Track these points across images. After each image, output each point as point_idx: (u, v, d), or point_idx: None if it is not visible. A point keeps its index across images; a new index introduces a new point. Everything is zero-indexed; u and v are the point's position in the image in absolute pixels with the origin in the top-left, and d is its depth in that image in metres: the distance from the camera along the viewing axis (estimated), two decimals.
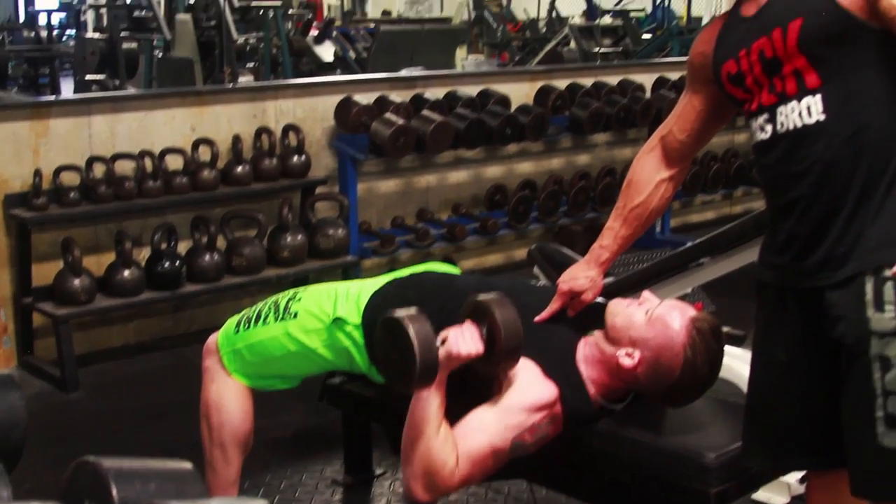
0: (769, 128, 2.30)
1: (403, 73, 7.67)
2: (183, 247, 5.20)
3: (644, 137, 6.08)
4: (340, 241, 5.55)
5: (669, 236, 7.33)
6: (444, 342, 2.51)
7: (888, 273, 2.10)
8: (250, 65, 9.94)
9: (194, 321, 5.53)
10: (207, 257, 5.14)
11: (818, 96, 2.20)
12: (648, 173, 2.71)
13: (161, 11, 8.80)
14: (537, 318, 2.85)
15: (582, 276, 2.86)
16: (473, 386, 2.67)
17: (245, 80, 8.92)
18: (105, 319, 5.25)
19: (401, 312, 2.48)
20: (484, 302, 2.56)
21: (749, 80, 2.31)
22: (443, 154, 6.17)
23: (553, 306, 2.87)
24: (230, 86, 6.18)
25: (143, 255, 5.13)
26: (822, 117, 2.20)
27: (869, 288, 2.14)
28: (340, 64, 10.78)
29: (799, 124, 2.23)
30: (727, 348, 2.87)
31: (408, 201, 6.32)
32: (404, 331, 2.42)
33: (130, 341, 5.38)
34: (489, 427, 2.58)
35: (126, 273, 4.91)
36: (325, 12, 17.72)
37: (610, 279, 4.22)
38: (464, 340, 2.53)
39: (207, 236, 5.14)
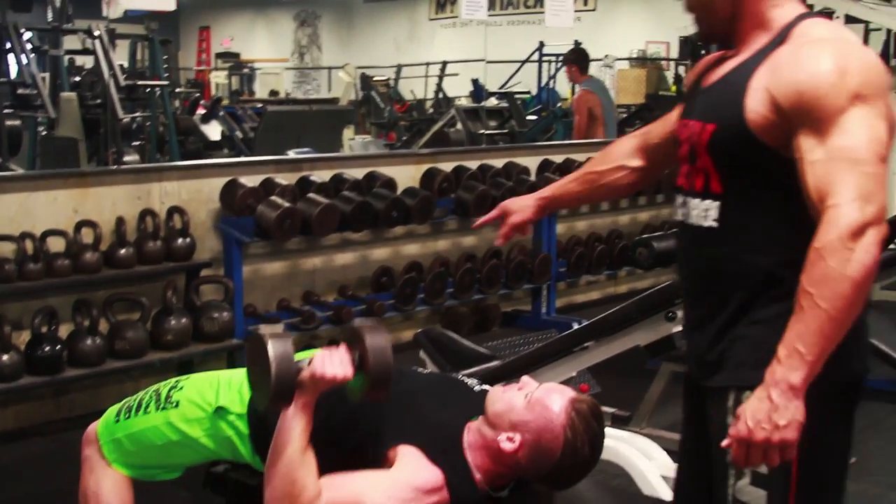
0: (681, 213, 2.35)
1: (291, 154, 7.71)
2: (65, 330, 5.11)
3: None
4: (225, 324, 5.51)
5: (555, 317, 7.43)
6: (311, 363, 2.52)
7: (748, 393, 2.11)
8: (136, 143, 9.86)
9: (76, 406, 5.42)
10: (89, 341, 5.05)
11: (717, 203, 2.23)
12: (618, 152, 2.79)
13: (45, 89, 8.69)
14: (477, 222, 3.05)
15: (517, 200, 2.95)
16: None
17: (131, 158, 8.83)
18: None
19: (265, 329, 2.51)
20: (356, 327, 2.58)
21: (681, 152, 2.35)
22: (329, 236, 6.18)
23: (490, 215, 2.99)
24: (114, 167, 6.11)
25: (24, 338, 5.02)
26: (715, 224, 2.23)
27: (731, 398, 2.20)
28: (227, 143, 10.74)
29: (697, 223, 2.28)
30: (613, 431, 2.93)
31: (294, 283, 6.30)
32: (264, 347, 2.45)
33: (9, 427, 5.24)
34: (372, 486, 2.57)
35: (5, 357, 4.80)
36: (213, 91, 17.73)
37: (496, 363, 4.30)
38: (331, 362, 2.53)
39: (89, 320, 5.06)
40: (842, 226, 1.96)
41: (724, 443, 2.08)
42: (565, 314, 7.55)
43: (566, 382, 4.32)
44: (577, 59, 9.06)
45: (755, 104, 2.12)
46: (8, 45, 8.63)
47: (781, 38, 2.17)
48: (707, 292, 2.29)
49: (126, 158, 8.48)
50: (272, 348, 2.44)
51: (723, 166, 2.20)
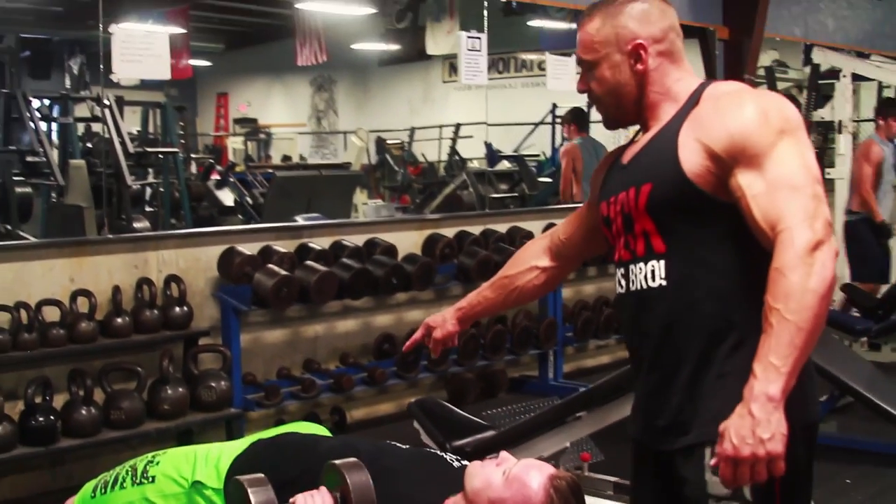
0: (624, 282, 2.39)
1: (300, 220, 7.70)
2: (60, 400, 5.08)
3: None
4: (223, 393, 5.47)
5: (563, 382, 7.36)
6: None
7: None
8: (149, 209, 9.91)
9: (73, 476, 5.37)
10: (84, 411, 5.03)
11: (662, 262, 2.28)
12: (529, 255, 2.86)
13: (54, 156, 8.74)
14: (405, 347, 3.12)
15: (438, 316, 2.99)
16: None
17: (141, 225, 8.85)
18: None
19: (245, 478, 2.45)
20: (337, 467, 2.52)
21: (614, 228, 2.41)
22: (330, 303, 6.15)
23: (416, 336, 3.03)
24: (110, 236, 6.12)
25: (19, 408, 5.00)
26: (664, 283, 2.28)
27: (708, 454, 2.19)
28: (241, 209, 10.79)
29: (644, 286, 2.32)
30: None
31: (295, 351, 6.27)
32: (246, 496, 2.39)
33: (6, 497, 5.21)
34: None
35: None
36: (230, 156, 17.84)
37: (490, 433, 4.24)
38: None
39: (84, 389, 5.03)
40: (797, 245, 2.05)
41: (713, 462, 2.10)
42: (574, 379, 7.48)
43: (559, 454, 4.27)
44: (575, 118, 9.11)
45: (688, 155, 2.23)
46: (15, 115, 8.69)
47: (694, 101, 2.32)
48: (663, 353, 2.31)
49: (136, 225, 8.52)
50: (254, 499, 2.40)
51: (663, 222, 2.27)
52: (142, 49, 5.60)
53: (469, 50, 7.12)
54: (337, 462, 2.55)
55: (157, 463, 3.00)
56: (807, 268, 2.03)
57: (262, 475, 2.48)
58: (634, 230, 2.32)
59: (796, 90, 10.88)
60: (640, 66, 2.36)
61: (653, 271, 2.29)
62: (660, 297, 2.29)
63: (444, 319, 2.96)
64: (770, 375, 2.02)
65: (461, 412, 4.49)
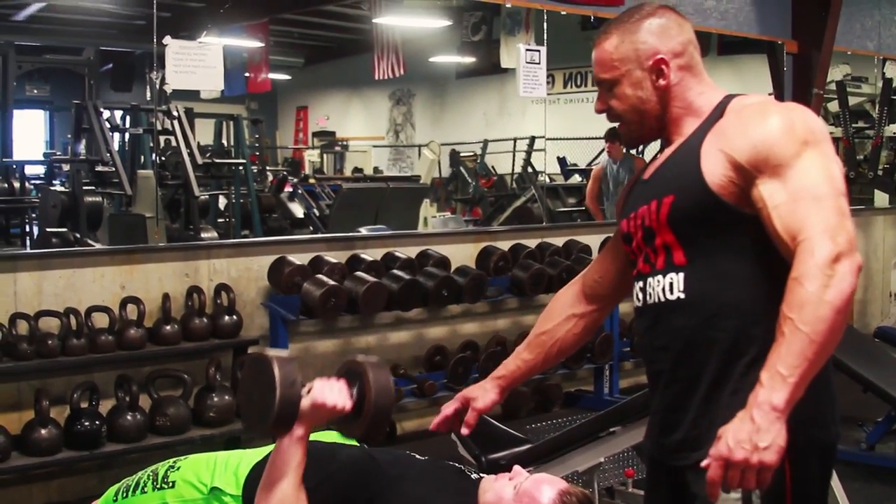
0: (641, 296, 2.35)
1: (363, 231, 7.74)
2: (107, 406, 5.15)
3: None
4: None
5: (619, 397, 7.27)
6: (310, 391, 2.45)
7: None
8: (221, 220, 10.03)
9: (119, 480, 5.41)
10: (129, 417, 5.10)
11: (681, 274, 2.24)
12: (562, 305, 2.73)
13: (122, 167, 8.88)
14: (432, 425, 2.80)
15: (476, 386, 2.80)
16: None
17: (208, 235, 8.96)
18: (24, 478, 5.16)
19: (271, 352, 2.43)
20: (358, 361, 2.52)
21: (634, 243, 2.37)
22: (382, 314, 6.15)
23: (447, 410, 2.79)
24: (161, 244, 6.19)
25: (67, 413, 5.07)
26: (682, 295, 2.24)
27: None
28: (311, 220, 10.87)
29: (662, 298, 2.27)
30: None
31: None
32: (269, 368, 2.37)
33: (53, 500, 5.29)
34: None
35: (43, 431, 4.87)
36: (307, 169, 17.98)
37: (525, 447, 4.20)
38: (331, 391, 2.50)
39: (130, 395, 5.10)
40: (817, 255, 2.01)
41: (704, 462, 2.03)
42: (631, 394, 7.38)
43: (594, 469, 4.22)
44: (615, 135, 9.17)
45: (711, 167, 2.19)
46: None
47: (718, 113, 2.29)
48: (681, 367, 2.27)
49: (203, 235, 8.62)
50: (278, 370, 2.36)
51: (684, 234, 2.24)
52: (196, 61, 5.67)
53: (528, 63, 7.09)
54: (359, 357, 2.53)
55: (178, 468, 3.03)
56: (825, 279, 1.98)
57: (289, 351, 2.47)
58: (655, 243, 2.29)
59: (869, 105, 10.69)
60: (662, 82, 2.33)
61: (671, 284, 2.25)
62: (678, 310, 2.25)
63: (484, 390, 2.75)
64: (776, 384, 1.97)
65: (500, 425, 4.46)
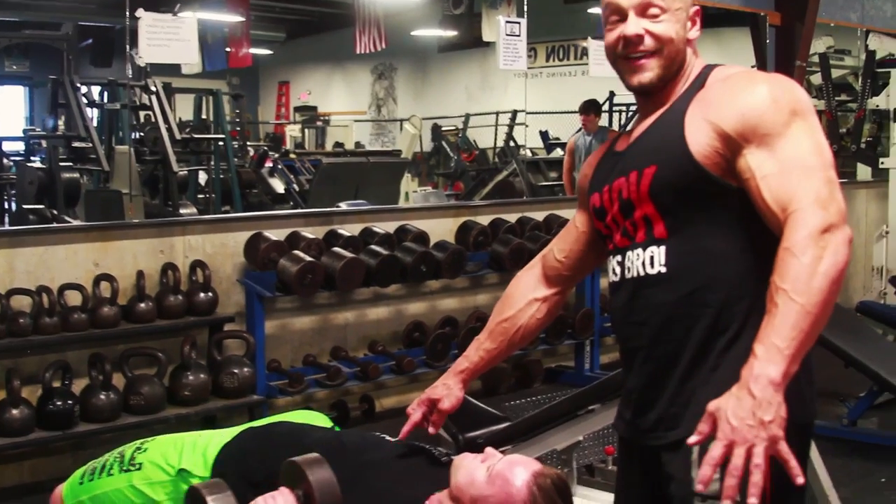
0: (618, 270, 2.29)
1: (343, 206, 7.67)
2: (80, 385, 5.08)
3: None
4: (246, 379, 5.44)
5: (600, 373, 7.24)
6: None
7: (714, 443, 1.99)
8: (201, 196, 9.96)
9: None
10: (103, 396, 5.04)
11: (662, 248, 2.18)
12: (523, 289, 2.65)
13: (99, 142, 8.78)
14: (402, 434, 2.73)
15: (440, 384, 2.73)
16: None
17: (187, 211, 8.89)
18: None
19: (202, 486, 2.41)
20: (297, 464, 2.45)
21: (608, 217, 2.30)
22: (361, 290, 6.09)
23: (414, 417, 2.74)
24: (135, 220, 6.11)
25: (40, 392, 5.00)
26: (663, 269, 2.18)
27: (696, 451, 2.07)
28: (291, 195, 10.80)
29: (642, 272, 2.22)
30: None
31: (325, 338, 6.22)
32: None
33: (26, 480, 5.23)
34: None
35: (14, 412, 4.81)
36: (289, 144, 17.87)
37: (502, 425, 4.15)
38: None
39: (103, 374, 5.03)
40: (810, 226, 1.96)
41: (691, 440, 1.94)
42: (612, 370, 7.33)
43: (573, 447, 4.17)
44: (589, 108, 9.14)
45: (696, 136, 2.14)
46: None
47: (700, 83, 2.25)
48: (660, 344, 2.21)
49: (182, 211, 8.56)
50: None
51: (666, 206, 2.18)
52: (170, 34, 5.58)
53: (508, 35, 7.01)
54: (297, 459, 2.47)
55: (145, 450, 2.98)
56: (819, 250, 1.93)
57: (222, 480, 2.44)
58: (634, 217, 2.22)
59: (852, 77, 10.63)
60: (694, 34, 2.30)
61: (652, 258, 2.19)
62: (658, 284, 2.19)
63: (447, 388, 2.70)
64: (772, 356, 1.89)
65: (478, 403, 4.40)
